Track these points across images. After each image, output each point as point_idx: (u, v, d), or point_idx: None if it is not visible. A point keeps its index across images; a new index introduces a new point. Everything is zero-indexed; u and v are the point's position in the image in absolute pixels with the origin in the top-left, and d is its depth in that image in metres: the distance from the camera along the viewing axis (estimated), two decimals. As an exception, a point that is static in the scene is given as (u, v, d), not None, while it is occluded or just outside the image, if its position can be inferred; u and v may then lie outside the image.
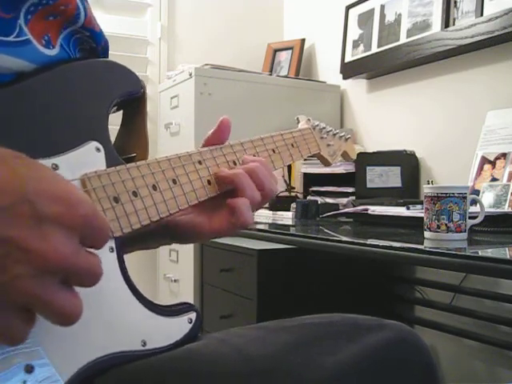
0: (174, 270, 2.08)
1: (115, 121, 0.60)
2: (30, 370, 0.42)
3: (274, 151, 0.70)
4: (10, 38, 0.47)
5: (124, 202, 0.49)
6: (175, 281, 2.07)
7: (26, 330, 0.36)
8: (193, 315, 0.57)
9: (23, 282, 0.34)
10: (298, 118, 0.82)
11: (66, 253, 0.35)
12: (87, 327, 0.46)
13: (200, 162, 0.59)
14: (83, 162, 0.48)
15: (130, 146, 0.61)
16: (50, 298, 0.35)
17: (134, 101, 0.58)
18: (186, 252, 1.97)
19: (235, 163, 0.63)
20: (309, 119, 0.80)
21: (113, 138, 0.56)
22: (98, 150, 0.51)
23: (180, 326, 0.56)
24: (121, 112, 0.61)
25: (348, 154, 0.87)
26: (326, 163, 0.82)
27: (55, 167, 0.46)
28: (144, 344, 0.51)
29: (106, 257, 0.48)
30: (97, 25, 0.56)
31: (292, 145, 0.73)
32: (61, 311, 0.36)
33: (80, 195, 0.37)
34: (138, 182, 0.51)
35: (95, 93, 0.52)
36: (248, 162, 0.62)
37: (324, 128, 0.81)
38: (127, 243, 0.54)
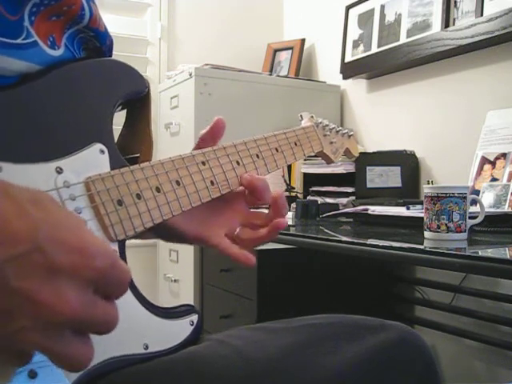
0: (174, 270, 2.08)
1: (118, 120, 0.60)
2: (33, 375, 0.42)
3: (277, 150, 0.69)
4: (19, 41, 0.46)
5: (128, 205, 0.49)
6: (175, 281, 2.06)
7: (31, 355, 0.35)
8: (194, 317, 0.57)
9: (28, 335, 0.32)
10: (301, 115, 0.81)
11: (76, 307, 0.33)
12: None
13: (203, 163, 0.59)
14: (87, 164, 0.48)
15: (133, 146, 0.60)
16: (55, 350, 0.33)
17: (138, 100, 0.58)
18: (186, 252, 1.97)
19: (238, 163, 0.63)
20: (312, 116, 0.80)
21: (116, 138, 0.55)
22: (102, 151, 0.50)
23: (182, 329, 0.56)
24: (124, 111, 0.61)
25: (350, 151, 0.87)
26: (329, 161, 0.82)
27: (59, 170, 0.46)
28: (146, 347, 0.51)
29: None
30: (102, 25, 0.56)
31: (295, 143, 0.73)
32: (67, 361, 0.34)
33: (97, 245, 0.35)
34: (142, 185, 0.51)
35: (99, 93, 0.52)
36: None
37: (327, 125, 0.81)
38: None
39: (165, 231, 0.61)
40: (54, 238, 0.33)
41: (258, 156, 0.66)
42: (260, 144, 0.67)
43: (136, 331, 0.51)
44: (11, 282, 0.31)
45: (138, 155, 0.60)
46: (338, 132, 0.83)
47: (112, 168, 0.50)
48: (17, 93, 0.46)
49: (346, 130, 0.86)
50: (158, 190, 0.52)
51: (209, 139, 0.63)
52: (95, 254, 0.34)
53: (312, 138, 0.77)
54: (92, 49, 0.56)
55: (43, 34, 0.49)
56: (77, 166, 0.47)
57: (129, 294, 0.51)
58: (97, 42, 0.56)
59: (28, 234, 0.32)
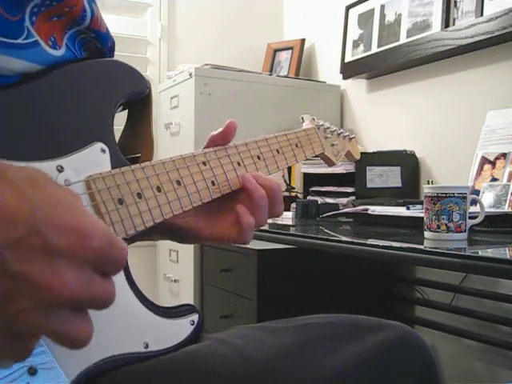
0: (174, 270, 2.08)
1: (119, 121, 0.60)
2: (33, 372, 0.42)
3: (278, 151, 0.70)
4: (20, 41, 0.47)
5: (128, 204, 0.49)
6: (175, 281, 2.07)
7: (31, 348, 0.35)
8: (195, 317, 0.57)
9: (29, 316, 0.33)
10: (302, 118, 0.81)
11: (76, 288, 0.34)
12: None
13: (204, 163, 0.59)
14: (88, 163, 0.48)
15: (134, 146, 0.60)
16: (57, 329, 0.34)
17: (139, 101, 0.58)
18: (186, 252, 1.97)
19: (239, 164, 0.63)
20: (313, 118, 0.80)
21: (117, 138, 0.55)
22: (103, 151, 0.50)
23: (182, 328, 0.56)
24: (125, 112, 0.61)
25: (352, 153, 0.87)
26: (330, 163, 0.82)
27: (60, 169, 0.46)
28: (146, 346, 0.52)
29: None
30: (103, 26, 0.56)
31: (296, 145, 0.73)
32: (69, 339, 0.35)
33: (94, 225, 0.35)
34: (143, 184, 0.51)
35: (101, 93, 0.52)
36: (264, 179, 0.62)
37: (328, 128, 0.81)
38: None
39: (179, 232, 0.62)
40: (52, 219, 0.33)
41: (259, 157, 0.66)
42: (261, 145, 0.67)
43: (136, 330, 0.51)
44: (11, 265, 0.32)
45: (139, 155, 0.60)
46: (339, 134, 0.83)
47: (113, 167, 0.50)
48: (18, 92, 0.46)
49: (347, 133, 0.85)
50: (158, 189, 0.52)
51: (219, 141, 0.63)
52: (92, 235, 0.35)
53: (313, 140, 0.77)
54: (93, 50, 0.56)
55: (44, 34, 0.49)
56: (78, 165, 0.47)
57: (129, 293, 0.51)
58: (98, 43, 0.56)
59: (26, 217, 0.32)
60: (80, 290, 0.34)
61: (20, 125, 0.45)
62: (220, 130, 0.63)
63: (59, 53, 0.51)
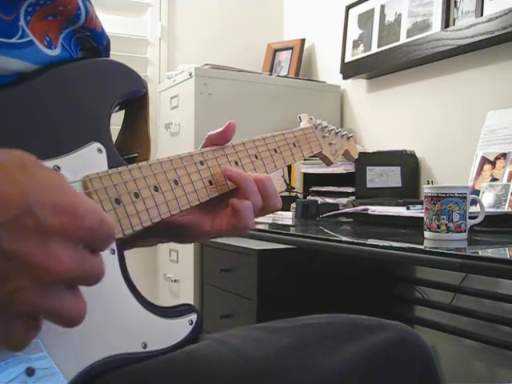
0: (174, 270, 2.08)
1: (116, 121, 0.60)
2: (30, 373, 0.42)
3: (275, 151, 0.70)
4: (14, 40, 0.47)
5: (126, 204, 0.49)
6: (175, 281, 2.06)
7: (29, 336, 0.36)
8: (193, 317, 0.57)
9: (25, 294, 0.33)
10: (300, 117, 0.81)
11: (69, 265, 0.35)
12: (88, 330, 0.45)
13: (202, 163, 0.59)
14: (85, 163, 0.48)
15: (131, 146, 0.60)
16: (53, 307, 0.35)
17: (136, 100, 0.58)
18: (186, 252, 1.97)
19: (237, 163, 0.63)
20: (311, 118, 0.80)
21: (114, 138, 0.55)
22: (99, 151, 0.50)
23: (181, 328, 0.56)
24: (122, 112, 0.61)
25: (350, 152, 0.87)
26: (328, 162, 0.82)
27: (57, 169, 0.46)
28: (145, 346, 0.51)
29: (107, 259, 0.47)
30: (99, 25, 0.56)
31: (294, 144, 0.73)
32: (66, 316, 0.36)
33: (85, 205, 0.36)
34: (140, 184, 0.51)
35: (97, 93, 0.52)
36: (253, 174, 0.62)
37: (326, 127, 0.81)
38: (126, 240, 0.54)
39: (179, 231, 0.62)
40: (44, 201, 0.34)
41: (256, 156, 0.66)
42: (258, 145, 0.67)
43: (134, 330, 0.51)
44: (5, 245, 0.33)
45: (136, 155, 0.60)
46: (337, 133, 0.83)
47: (110, 167, 0.50)
48: (14, 92, 0.46)
49: (345, 132, 0.85)
50: (156, 188, 0.52)
51: (218, 142, 0.63)
52: (84, 214, 0.36)
53: (311, 140, 0.77)
54: (89, 49, 0.56)
55: (39, 34, 0.49)
56: (74, 165, 0.47)
57: (127, 293, 0.51)
58: (93, 42, 0.56)
59: (19, 200, 0.33)
60: (74, 267, 0.35)
61: (16, 125, 0.45)
62: (219, 130, 0.63)
63: (55, 52, 0.51)
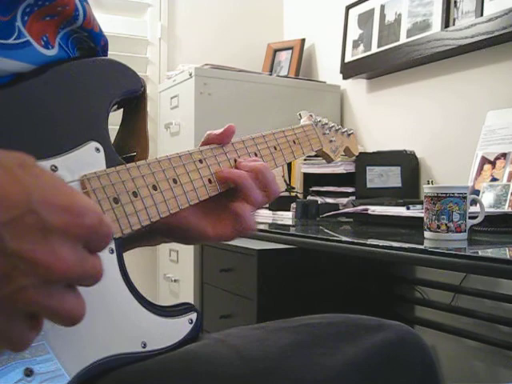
0: (174, 270, 2.08)
1: (115, 120, 0.60)
2: (29, 373, 0.42)
3: (275, 148, 0.69)
4: (10, 41, 0.46)
5: (124, 203, 0.49)
6: (175, 281, 2.06)
7: (30, 337, 0.36)
8: (193, 316, 0.57)
9: (28, 293, 0.34)
10: (300, 114, 0.81)
11: (71, 264, 0.35)
12: (87, 330, 0.45)
13: (201, 161, 0.59)
14: (82, 162, 0.48)
15: (130, 145, 0.60)
16: (55, 306, 0.35)
17: (134, 99, 0.58)
18: (186, 252, 1.97)
19: (236, 161, 0.63)
20: (311, 115, 0.80)
21: (112, 138, 0.55)
22: (97, 150, 0.50)
23: (180, 327, 0.56)
24: (121, 111, 0.61)
25: (350, 149, 0.87)
26: (329, 159, 0.82)
27: (54, 168, 0.46)
28: (144, 345, 0.51)
29: (106, 258, 0.48)
30: (96, 25, 0.56)
31: (294, 141, 0.73)
32: (67, 315, 0.36)
33: (86, 204, 0.37)
34: (138, 183, 0.51)
35: (94, 92, 0.52)
36: (248, 163, 0.62)
37: (326, 124, 0.80)
38: (127, 241, 0.54)
39: (182, 233, 0.61)
40: (46, 200, 0.35)
41: (256, 154, 0.66)
42: (258, 142, 0.67)
43: (134, 329, 0.51)
44: (8, 243, 0.33)
45: (135, 154, 0.60)
46: (337, 131, 0.83)
47: (108, 166, 0.50)
48: (12, 92, 0.46)
49: (345, 129, 0.85)
50: (154, 188, 0.52)
51: (216, 142, 0.63)
52: (85, 213, 0.36)
53: (311, 137, 0.76)
54: (86, 49, 0.56)
55: (36, 34, 0.49)
56: (72, 164, 0.47)
57: (126, 293, 0.51)
58: (91, 42, 0.56)
59: (21, 198, 0.34)
60: (74, 266, 0.35)
61: (14, 124, 0.45)
62: (219, 130, 0.63)
63: (52, 52, 0.51)
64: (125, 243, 0.53)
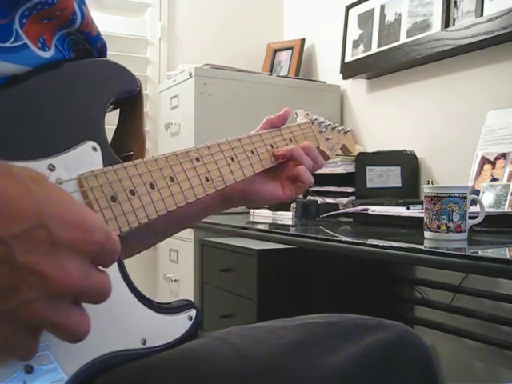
0: (174, 270, 2.08)
1: (112, 120, 0.60)
2: (29, 370, 0.42)
3: (272, 146, 0.70)
4: (8, 44, 0.47)
5: (122, 201, 0.49)
6: (175, 281, 2.06)
7: (33, 349, 0.36)
8: (193, 312, 0.57)
9: (34, 306, 0.34)
10: (296, 113, 0.82)
11: (79, 279, 0.35)
12: None
13: (198, 159, 0.59)
14: (80, 161, 0.48)
15: (126, 145, 0.60)
16: (60, 321, 0.35)
17: (130, 99, 0.58)
18: (186, 252, 1.97)
19: (233, 159, 0.63)
20: (307, 113, 0.80)
21: (109, 138, 0.55)
22: (94, 149, 0.50)
23: (180, 324, 0.56)
24: (117, 111, 0.61)
25: (347, 147, 0.87)
26: (325, 157, 0.82)
27: (52, 168, 0.46)
28: (144, 342, 0.51)
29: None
30: (94, 29, 0.56)
31: (290, 139, 0.73)
32: (71, 331, 0.36)
33: (95, 220, 0.37)
34: (136, 181, 0.51)
35: (91, 92, 0.52)
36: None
37: (323, 122, 0.81)
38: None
39: (258, 197, 0.72)
40: (56, 214, 0.35)
41: (252, 152, 0.66)
42: (255, 140, 0.67)
43: (133, 326, 0.51)
44: (18, 256, 0.33)
45: (132, 153, 0.60)
46: (333, 129, 0.83)
47: (105, 165, 0.50)
48: (8, 92, 0.46)
49: (342, 127, 0.86)
50: (151, 186, 0.52)
51: (277, 124, 0.74)
52: (94, 229, 0.36)
53: (307, 135, 0.77)
54: (82, 50, 0.56)
55: (33, 36, 0.49)
56: (69, 164, 0.47)
57: (125, 290, 0.51)
58: (87, 44, 0.56)
59: (32, 212, 0.34)
60: (82, 281, 0.35)
61: (11, 124, 0.45)
62: (278, 114, 0.74)
63: (48, 54, 0.51)
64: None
